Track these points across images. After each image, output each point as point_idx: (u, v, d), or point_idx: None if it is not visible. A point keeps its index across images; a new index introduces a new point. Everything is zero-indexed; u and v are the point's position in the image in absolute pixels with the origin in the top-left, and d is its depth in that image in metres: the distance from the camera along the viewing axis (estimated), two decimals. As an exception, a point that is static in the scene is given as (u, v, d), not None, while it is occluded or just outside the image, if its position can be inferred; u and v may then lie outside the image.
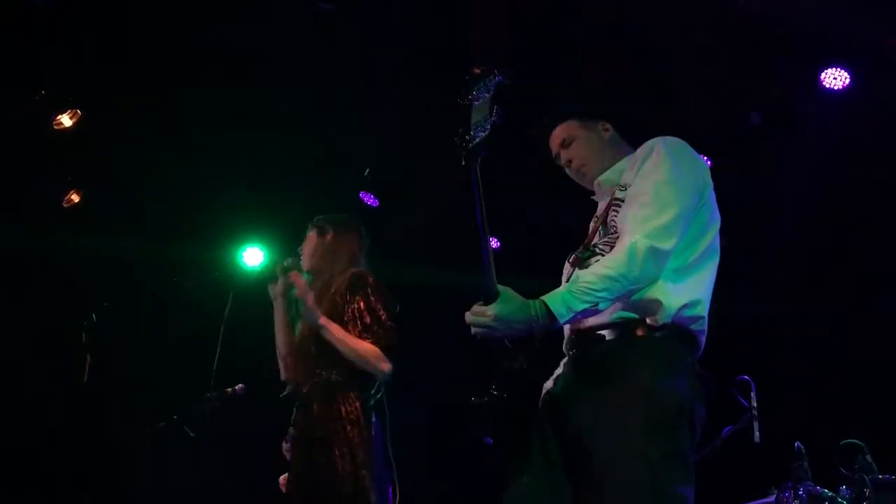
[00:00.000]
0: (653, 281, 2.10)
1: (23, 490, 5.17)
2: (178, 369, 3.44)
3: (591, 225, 2.43)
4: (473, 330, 1.99)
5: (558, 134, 2.50)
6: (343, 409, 3.11)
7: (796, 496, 3.53)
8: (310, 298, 3.14)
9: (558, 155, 2.51)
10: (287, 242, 3.76)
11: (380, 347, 3.13)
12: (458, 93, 1.98)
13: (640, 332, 2.11)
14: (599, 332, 2.16)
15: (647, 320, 2.11)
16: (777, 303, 5.30)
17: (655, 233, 2.08)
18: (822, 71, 4.88)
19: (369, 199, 5.89)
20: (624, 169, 2.35)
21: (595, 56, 4.79)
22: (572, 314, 2.00)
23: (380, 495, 3.11)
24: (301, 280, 3.19)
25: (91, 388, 3.53)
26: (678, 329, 2.13)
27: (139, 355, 5.34)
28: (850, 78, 4.84)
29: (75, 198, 5.54)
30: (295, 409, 3.26)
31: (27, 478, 5.21)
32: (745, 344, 5.17)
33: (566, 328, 2.29)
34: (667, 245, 2.09)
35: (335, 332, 3.13)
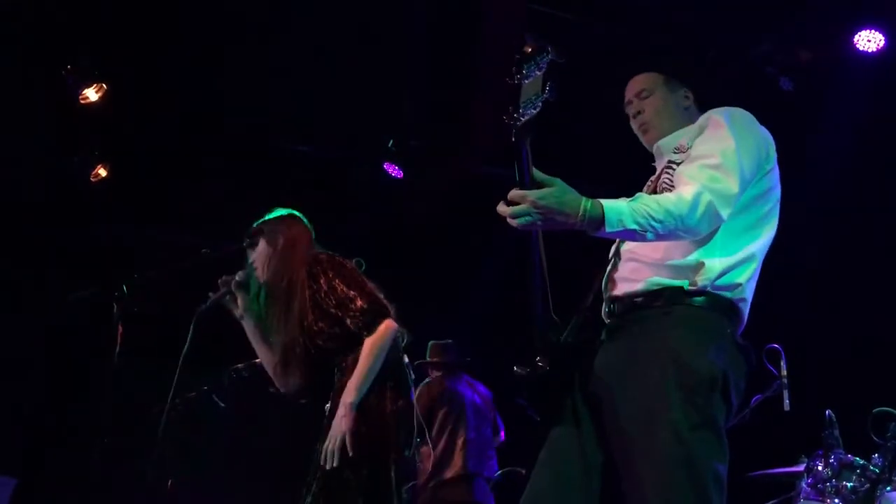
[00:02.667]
0: (697, 242, 2.08)
1: (56, 458, 5.28)
2: (209, 339, 3.49)
3: (644, 189, 2.38)
4: (509, 219, 1.92)
5: (639, 81, 2.43)
6: (372, 403, 3.00)
7: (827, 464, 3.50)
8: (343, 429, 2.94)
9: (630, 102, 2.44)
10: (310, 210, 3.71)
11: (362, 322, 3.01)
12: (512, 71, 1.96)
13: (677, 300, 2.08)
14: (637, 298, 2.14)
15: (686, 287, 2.08)
16: (808, 270, 5.23)
17: (719, 195, 2.05)
18: (856, 33, 4.76)
19: (394, 171, 5.88)
20: (684, 133, 2.32)
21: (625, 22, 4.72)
22: (622, 228, 1.95)
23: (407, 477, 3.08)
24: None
25: (122, 359, 3.56)
26: (717, 298, 2.09)
27: (170, 326, 5.39)
28: (886, 40, 4.71)
29: (103, 172, 5.59)
30: (331, 399, 3.11)
31: (60, 446, 5.33)
32: (776, 311, 5.12)
33: (606, 296, 2.26)
34: (724, 212, 2.06)
35: (357, 380, 2.98)
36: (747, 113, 2.26)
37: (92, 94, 5.15)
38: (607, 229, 1.94)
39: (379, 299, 3.09)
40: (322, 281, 3.11)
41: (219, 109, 5.32)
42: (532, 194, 1.90)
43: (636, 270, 2.16)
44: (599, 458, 2.10)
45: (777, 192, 2.27)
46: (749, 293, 2.17)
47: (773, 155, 2.26)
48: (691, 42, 4.85)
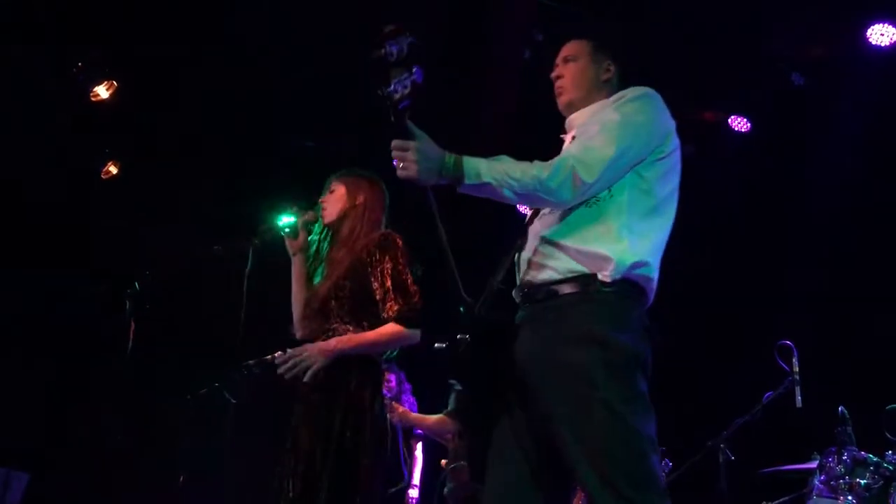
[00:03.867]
0: (606, 230, 2.16)
1: (68, 453, 5.31)
2: (219, 336, 3.49)
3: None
4: (396, 163, 2.05)
5: (568, 47, 2.48)
6: (357, 369, 3.03)
7: (840, 461, 3.49)
8: (315, 362, 3.01)
9: (556, 66, 2.48)
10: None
11: (403, 313, 3.03)
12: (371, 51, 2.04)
13: (593, 287, 2.15)
14: (553, 286, 2.19)
15: (600, 275, 2.15)
16: (820, 265, 5.20)
17: (585, 162, 2.12)
18: (868, 27, 4.73)
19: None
20: (594, 112, 2.36)
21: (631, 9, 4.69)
22: (479, 182, 2.05)
23: (379, 464, 3.06)
24: (298, 357, 3.04)
25: (134, 355, 3.57)
26: (629, 284, 2.17)
27: (181, 322, 5.42)
28: (898, 34, 4.68)
29: (113, 169, 5.60)
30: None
31: (73, 443, 5.36)
32: (787, 307, 5.11)
33: (519, 279, 2.32)
34: (588, 177, 2.12)
35: (359, 342, 3.03)
36: (654, 94, 2.29)
37: (102, 91, 5.17)
38: (466, 181, 2.05)
39: (420, 309, 3.11)
40: (388, 259, 3.12)
41: (229, 105, 5.32)
42: (413, 143, 2.03)
43: (551, 257, 2.21)
44: (535, 447, 2.17)
45: (676, 179, 2.30)
46: (656, 275, 2.25)
47: (673, 141, 2.28)
48: (700, 35, 4.82)
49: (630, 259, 2.15)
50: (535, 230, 2.30)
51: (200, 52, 5.02)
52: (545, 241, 2.24)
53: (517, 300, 2.32)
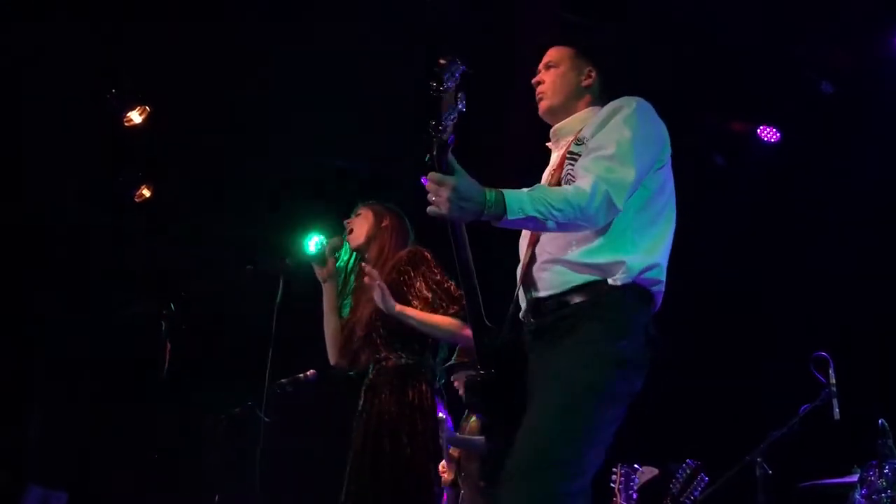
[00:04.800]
0: (612, 239, 2.15)
1: (106, 471, 5.38)
2: (252, 355, 3.53)
3: (544, 177, 2.41)
4: (430, 199, 1.97)
5: (550, 52, 2.48)
6: (413, 396, 3.09)
7: (881, 475, 3.43)
8: (384, 287, 3.06)
9: (538, 71, 2.49)
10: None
11: (459, 313, 3.06)
12: (429, 85, 1.99)
13: (601, 295, 2.14)
14: (564, 297, 2.18)
15: (610, 280, 2.15)
16: (854, 275, 5.13)
17: (615, 186, 2.10)
18: (897, 34, 4.69)
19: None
20: (584, 120, 2.35)
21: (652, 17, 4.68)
22: (522, 216, 2.00)
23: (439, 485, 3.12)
24: (372, 269, 3.16)
25: (170, 375, 3.62)
26: (639, 289, 2.17)
27: (214, 341, 5.48)
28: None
29: (147, 192, 5.70)
30: (362, 395, 3.22)
31: (110, 459, 5.42)
32: (823, 318, 5.04)
33: (522, 295, 2.31)
34: (619, 202, 2.11)
35: (415, 314, 3.09)
36: (648, 104, 2.29)
37: (136, 116, 5.27)
38: (509, 216, 1.99)
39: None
40: (423, 272, 3.18)
41: (261, 128, 5.40)
42: (451, 179, 1.95)
43: (557, 269, 2.20)
44: None
45: (671, 186, 2.31)
46: (664, 280, 2.24)
47: (668, 150, 2.29)
48: (728, 44, 4.80)
49: (641, 263, 2.16)
50: (537, 246, 2.28)
51: (231, 76, 5.11)
52: (550, 255, 2.23)
53: (524, 318, 2.31)
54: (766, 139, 5.49)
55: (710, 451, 4.06)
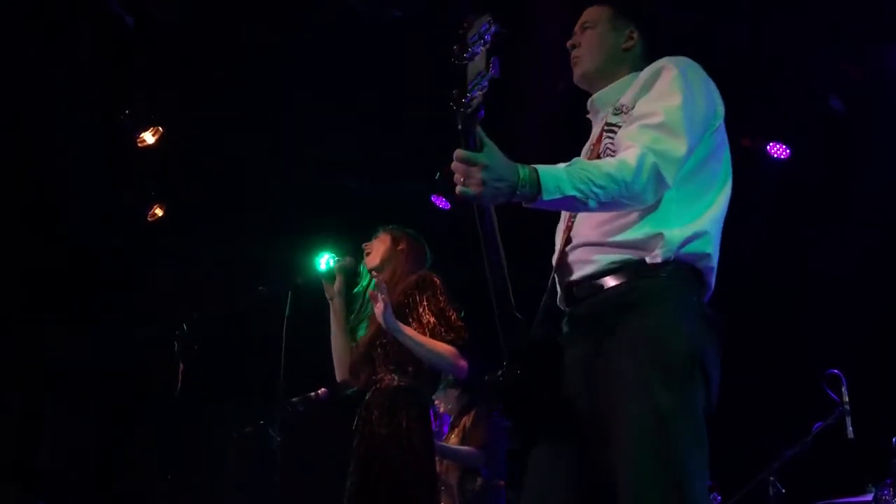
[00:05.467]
0: (651, 214, 1.91)
1: (118, 491, 5.39)
2: (263, 375, 3.56)
3: (584, 154, 2.18)
4: (459, 181, 1.73)
5: (587, 13, 2.23)
6: (403, 419, 3.10)
7: (896, 494, 3.40)
8: (387, 300, 3.08)
9: (574, 34, 2.24)
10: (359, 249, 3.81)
11: (456, 342, 3.09)
12: (453, 51, 1.74)
13: (641, 274, 1.89)
14: (596, 280, 1.95)
15: (648, 259, 1.89)
16: (865, 294, 5.11)
17: (664, 157, 1.85)
18: (907, 49, 4.69)
19: (441, 203, 5.95)
20: (624, 89, 2.10)
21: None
22: (560, 196, 1.75)
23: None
24: (381, 281, 3.19)
25: (183, 395, 3.65)
26: (683, 266, 1.91)
27: (226, 361, 5.50)
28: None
29: (159, 212, 5.75)
30: (357, 414, 3.25)
31: (123, 481, 5.44)
32: (836, 335, 5.01)
33: (557, 282, 2.08)
34: (670, 177, 1.86)
35: (412, 334, 3.10)
36: (695, 64, 2.05)
37: (149, 137, 5.33)
38: (544, 197, 1.74)
39: (468, 343, 3.15)
40: (427, 298, 3.20)
41: (272, 148, 5.45)
42: (483, 157, 1.69)
43: (591, 251, 1.97)
44: (573, 461, 1.91)
45: (726, 150, 2.06)
46: (715, 260, 1.98)
47: (722, 111, 2.05)
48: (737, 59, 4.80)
49: (682, 236, 1.90)
50: (573, 230, 2.05)
51: (242, 97, 5.16)
52: (583, 237, 2.00)
53: (560, 304, 2.08)
54: (775, 156, 5.48)
55: (723, 470, 4.04)
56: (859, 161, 5.11)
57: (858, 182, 5.13)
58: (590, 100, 2.21)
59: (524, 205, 1.78)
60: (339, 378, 3.43)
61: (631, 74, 2.14)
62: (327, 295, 3.42)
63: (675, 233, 1.90)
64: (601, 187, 1.78)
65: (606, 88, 2.16)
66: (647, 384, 1.79)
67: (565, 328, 2.03)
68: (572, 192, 1.77)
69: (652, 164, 1.83)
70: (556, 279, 2.09)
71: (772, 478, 3.97)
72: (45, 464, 5.53)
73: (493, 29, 1.72)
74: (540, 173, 1.75)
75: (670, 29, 2.49)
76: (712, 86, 2.05)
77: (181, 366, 3.61)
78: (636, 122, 1.94)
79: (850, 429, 3.66)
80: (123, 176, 5.56)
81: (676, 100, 1.93)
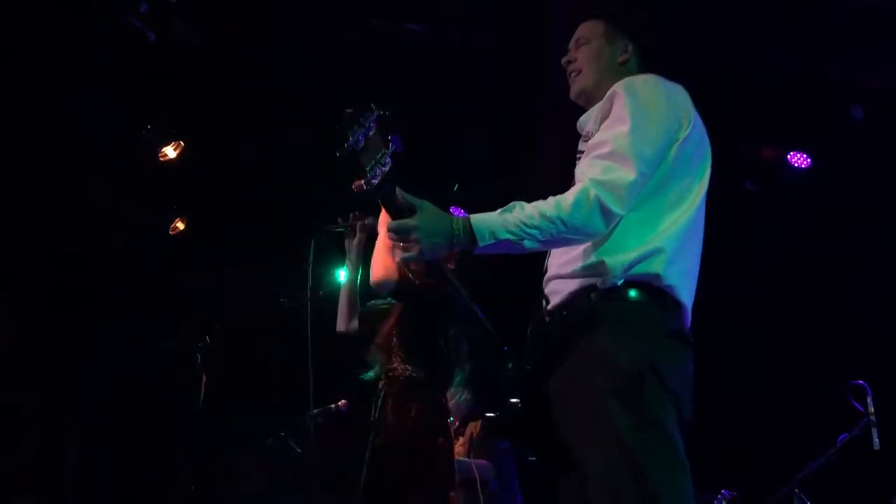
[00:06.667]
0: (607, 238, 1.94)
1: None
2: (285, 387, 3.58)
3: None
4: (397, 248, 1.87)
5: (581, 28, 2.26)
6: (414, 410, 3.14)
7: (923, 506, 3.35)
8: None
9: (569, 50, 2.27)
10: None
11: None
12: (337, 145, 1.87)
13: (594, 299, 1.94)
14: (562, 310, 2.01)
15: (598, 283, 1.94)
16: (889, 303, 5.05)
17: (610, 188, 1.87)
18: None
19: (459, 213, 5.96)
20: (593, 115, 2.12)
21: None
22: (494, 241, 1.84)
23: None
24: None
25: (205, 407, 3.67)
26: (636, 288, 1.93)
27: (248, 374, 5.53)
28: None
29: (181, 225, 5.79)
30: (373, 404, 3.30)
31: (144, 492, 5.46)
32: (862, 346, 4.96)
33: (542, 312, 2.13)
34: (618, 206, 1.88)
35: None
36: (652, 78, 2.04)
37: (170, 151, 5.38)
38: (480, 244, 1.84)
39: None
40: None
41: (292, 161, 5.48)
42: (413, 220, 1.83)
43: (558, 283, 2.04)
44: (573, 489, 1.94)
45: (695, 165, 2.02)
46: (679, 278, 1.96)
47: (691, 119, 2.01)
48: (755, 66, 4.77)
49: (625, 259, 1.92)
50: (548, 261, 2.13)
51: (262, 111, 5.21)
52: (555, 269, 2.07)
53: (534, 336, 2.14)
54: (796, 165, 5.45)
55: (747, 482, 4.01)
56: (880, 169, 5.07)
57: (879, 190, 5.09)
58: (578, 121, 2.24)
59: (473, 252, 1.86)
60: (338, 328, 3.56)
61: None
62: (347, 247, 3.60)
63: (619, 258, 1.93)
64: (536, 227, 1.85)
65: (591, 110, 2.17)
66: (604, 404, 1.85)
67: (544, 357, 2.06)
68: (506, 236, 1.85)
69: (594, 197, 1.87)
70: (541, 310, 2.14)
71: (796, 489, 3.93)
72: (66, 475, 5.57)
73: (375, 115, 1.85)
74: (472, 222, 1.85)
75: (665, 39, 2.52)
76: (676, 96, 2.03)
77: (203, 377, 3.64)
78: (589, 155, 1.97)
79: (877, 440, 3.62)
80: (145, 190, 5.61)
81: (625, 125, 1.94)
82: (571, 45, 2.26)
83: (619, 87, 2.02)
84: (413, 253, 1.84)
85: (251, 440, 4.45)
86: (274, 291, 4.40)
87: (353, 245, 3.59)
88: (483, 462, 4.44)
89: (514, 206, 1.91)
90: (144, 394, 5.48)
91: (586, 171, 1.93)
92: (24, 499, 5.21)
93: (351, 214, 3.62)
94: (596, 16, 2.25)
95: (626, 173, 1.89)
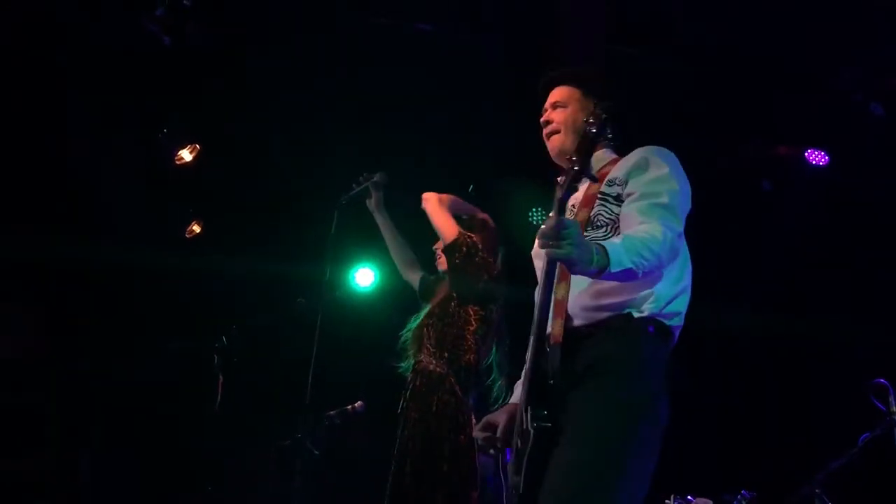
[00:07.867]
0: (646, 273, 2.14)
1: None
2: (302, 388, 3.59)
3: (569, 214, 2.34)
4: (549, 242, 1.93)
5: (557, 93, 2.54)
6: (435, 404, 3.17)
7: (947, 506, 3.31)
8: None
9: (545, 110, 2.54)
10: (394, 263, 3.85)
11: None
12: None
13: (627, 328, 2.15)
14: (592, 329, 2.18)
15: (635, 315, 2.16)
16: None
17: (675, 233, 2.17)
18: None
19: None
20: (603, 161, 2.41)
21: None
22: (620, 269, 2.00)
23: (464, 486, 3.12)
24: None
25: (222, 408, 3.68)
26: (661, 325, 2.18)
27: (265, 375, 5.54)
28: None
29: (197, 228, 5.81)
30: (402, 397, 3.35)
31: (162, 494, 5.48)
32: (882, 344, 4.91)
33: (552, 327, 2.23)
34: (674, 253, 2.18)
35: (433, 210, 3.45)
36: (669, 152, 2.34)
37: (186, 154, 5.41)
38: (612, 269, 1.99)
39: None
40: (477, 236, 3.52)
41: (309, 163, 5.50)
42: (571, 226, 1.94)
43: (592, 297, 2.20)
44: None
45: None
46: (683, 320, 2.27)
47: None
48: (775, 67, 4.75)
49: (666, 299, 2.18)
50: (570, 285, 2.24)
51: (277, 113, 5.23)
52: (582, 288, 2.21)
53: (550, 350, 2.23)
54: (814, 162, 5.41)
55: (766, 482, 3.97)
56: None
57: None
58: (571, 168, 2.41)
59: (597, 276, 2.01)
60: (403, 276, 3.75)
61: (605, 149, 2.45)
62: (370, 208, 3.77)
63: (663, 292, 2.19)
64: (646, 259, 2.05)
65: (596, 160, 2.37)
66: (604, 415, 2.06)
67: (559, 371, 2.18)
68: (629, 266, 2.02)
69: (672, 238, 2.14)
70: (551, 323, 2.24)
71: (817, 490, 3.89)
72: (86, 477, 5.60)
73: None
74: (608, 250, 1.99)
75: (632, 108, 2.74)
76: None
77: (220, 378, 3.65)
78: (645, 200, 2.21)
79: (899, 440, 3.57)
80: (161, 193, 5.64)
81: (675, 185, 2.25)
82: (548, 106, 2.53)
83: (654, 154, 2.31)
84: (564, 252, 1.92)
85: (268, 441, 4.45)
86: (291, 292, 4.41)
87: (374, 205, 3.74)
88: (483, 458, 4.43)
89: (627, 237, 2.08)
90: (161, 395, 5.51)
91: (649, 213, 2.17)
92: (42, 501, 5.25)
93: (360, 177, 3.73)
94: (569, 82, 2.54)
95: (677, 224, 2.20)
